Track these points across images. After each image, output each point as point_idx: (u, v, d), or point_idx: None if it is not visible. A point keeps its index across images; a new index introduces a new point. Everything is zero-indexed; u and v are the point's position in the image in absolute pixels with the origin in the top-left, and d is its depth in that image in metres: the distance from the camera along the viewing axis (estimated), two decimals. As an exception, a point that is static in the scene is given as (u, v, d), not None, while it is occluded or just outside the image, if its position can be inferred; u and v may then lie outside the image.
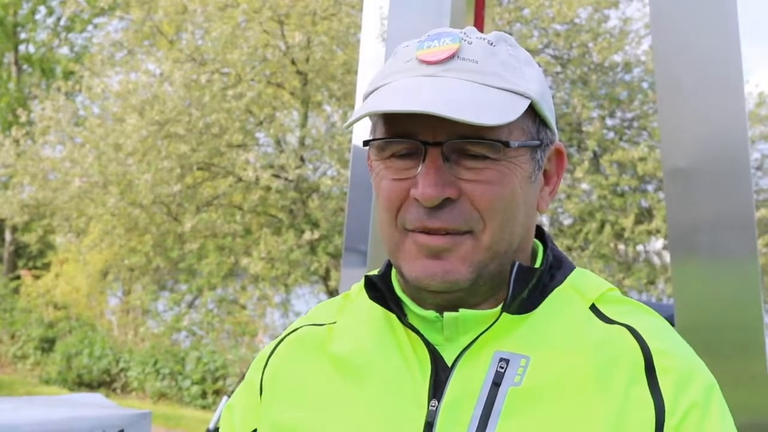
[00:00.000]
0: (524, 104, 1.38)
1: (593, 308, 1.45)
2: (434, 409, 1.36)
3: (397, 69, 1.42)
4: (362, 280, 1.60)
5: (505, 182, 1.37)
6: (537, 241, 1.55)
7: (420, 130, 1.36)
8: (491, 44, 1.43)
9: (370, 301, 1.51)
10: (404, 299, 1.46)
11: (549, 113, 1.46)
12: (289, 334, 1.62)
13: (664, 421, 1.32)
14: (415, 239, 1.36)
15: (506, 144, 1.36)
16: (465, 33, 1.42)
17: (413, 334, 1.42)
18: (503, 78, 1.39)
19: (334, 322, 1.59)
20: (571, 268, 1.51)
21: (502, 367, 1.36)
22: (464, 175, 1.35)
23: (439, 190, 1.33)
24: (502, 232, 1.37)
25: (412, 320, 1.43)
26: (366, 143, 1.43)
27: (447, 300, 1.41)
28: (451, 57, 1.39)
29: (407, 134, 1.37)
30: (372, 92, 1.41)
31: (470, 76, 1.37)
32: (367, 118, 1.45)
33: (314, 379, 1.50)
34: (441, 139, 1.35)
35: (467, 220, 1.35)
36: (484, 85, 1.36)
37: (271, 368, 1.57)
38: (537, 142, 1.43)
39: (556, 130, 1.49)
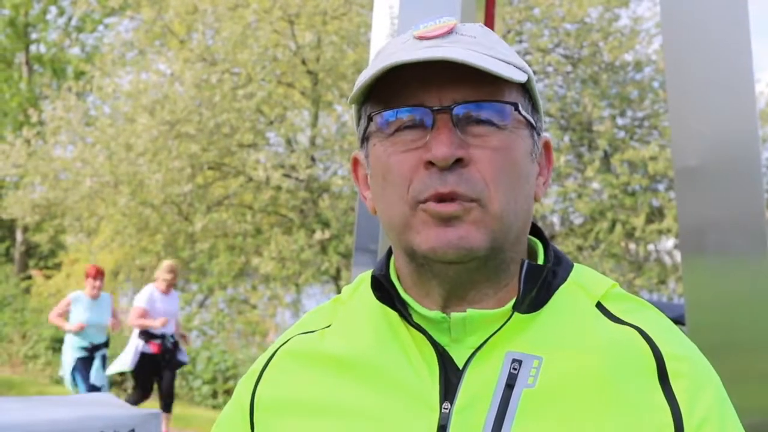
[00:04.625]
0: (525, 75, 1.38)
1: (599, 306, 1.44)
2: (447, 412, 1.34)
3: (393, 51, 1.41)
4: (355, 282, 1.59)
5: (510, 151, 1.36)
6: (534, 239, 1.53)
7: (425, 99, 1.35)
8: (483, 28, 1.44)
9: (367, 302, 1.49)
10: (408, 300, 1.43)
11: (539, 100, 1.47)
12: (280, 346, 1.58)
13: (683, 426, 1.32)
14: (426, 209, 1.33)
15: (516, 107, 1.37)
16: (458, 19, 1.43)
17: (418, 335, 1.40)
18: (501, 53, 1.39)
19: (328, 326, 1.55)
20: (571, 265, 1.50)
21: (515, 369, 1.34)
22: (472, 141, 1.34)
23: (453, 149, 1.31)
24: (507, 201, 1.35)
25: (416, 320, 1.41)
26: (370, 117, 1.41)
27: (458, 274, 1.38)
28: (450, 32, 1.40)
29: (413, 104, 1.36)
30: (368, 76, 1.39)
31: (471, 47, 1.37)
32: (356, 114, 1.46)
33: (314, 385, 1.46)
34: (448, 104, 1.34)
35: (475, 188, 1.33)
36: (485, 54, 1.36)
37: (265, 383, 1.53)
38: (533, 123, 1.43)
39: (543, 122, 1.50)
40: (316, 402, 1.45)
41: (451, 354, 1.38)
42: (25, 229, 26.56)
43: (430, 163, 1.33)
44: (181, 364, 11.34)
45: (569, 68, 16.64)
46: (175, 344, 11.18)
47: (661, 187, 15.63)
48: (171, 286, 11.38)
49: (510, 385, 1.34)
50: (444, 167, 1.32)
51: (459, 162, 1.33)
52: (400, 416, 1.37)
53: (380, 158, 1.40)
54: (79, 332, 11.07)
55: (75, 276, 22.70)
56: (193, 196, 17.56)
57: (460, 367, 1.37)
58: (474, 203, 1.33)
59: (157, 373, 11.08)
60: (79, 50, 31.11)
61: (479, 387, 1.35)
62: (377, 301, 1.46)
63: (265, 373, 1.55)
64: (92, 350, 11.16)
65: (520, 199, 1.39)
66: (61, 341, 20.53)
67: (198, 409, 15.65)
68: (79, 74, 25.25)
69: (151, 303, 11.07)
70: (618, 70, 16.52)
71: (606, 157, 15.74)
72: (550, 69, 16.52)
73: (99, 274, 11.47)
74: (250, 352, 16.15)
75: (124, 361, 10.88)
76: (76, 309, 11.25)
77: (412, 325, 1.40)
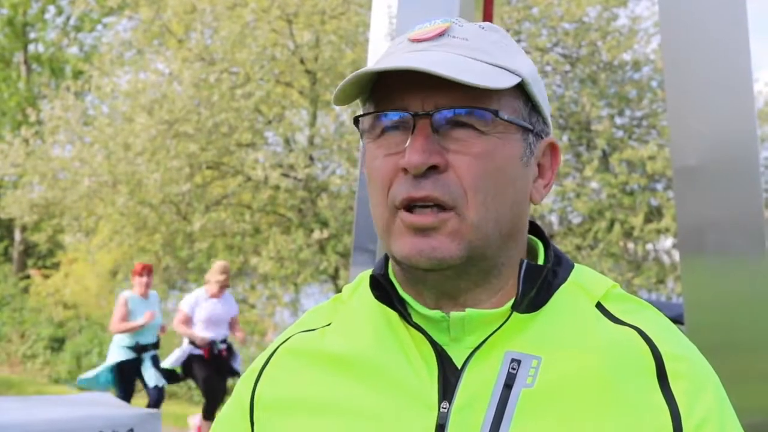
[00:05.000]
0: (514, 80, 1.37)
1: (599, 306, 1.44)
2: (445, 411, 1.34)
3: (390, 53, 1.43)
4: (356, 281, 1.59)
5: (492, 157, 1.35)
6: (535, 239, 1.53)
7: (409, 104, 1.36)
8: (482, 29, 1.44)
9: (367, 301, 1.50)
10: (407, 299, 1.43)
11: (542, 102, 1.45)
12: (280, 345, 1.58)
13: (681, 427, 1.31)
14: (402, 218, 1.35)
15: (495, 113, 1.36)
16: (457, 18, 1.43)
17: (417, 334, 1.40)
18: (493, 56, 1.39)
19: (328, 324, 1.56)
20: (572, 265, 1.50)
21: (514, 368, 1.35)
22: (452, 147, 1.34)
23: (426, 156, 1.31)
24: (486, 209, 1.35)
25: (416, 320, 1.42)
26: (356, 120, 1.43)
27: (438, 281, 1.39)
28: (441, 34, 1.40)
29: (396, 108, 1.37)
30: (346, 81, 1.39)
31: (460, 51, 1.37)
32: (358, 111, 1.46)
33: (313, 384, 1.47)
34: (429, 109, 1.34)
35: (452, 194, 1.33)
36: (473, 59, 1.36)
37: (265, 382, 1.53)
38: (529, 126, 1.42)
39: (550, 124, 1.49)
40: (316, 401, 1.45)
41: (450, 353, 1.38)
42: (24, 229, 26.57)
43: (406, 170, 1.34)
44: (234, 372, 11.09)
45: (567, 67, 16.64)
46: (229, 349, 10.97)
47: (659, 186, 15.63)
48: (224, 287, 10.98)
49: (508, 385, 1.34)
50: (417, 174, 1.33)
51: (435, 169, 1.33)
52: (398, 415, 1.37)
53: (369, 160, 1.42)
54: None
55: (73, 275, 22.70)
56: (191, 195, 17.56)
57: (459, 367, 1.37)
58: (450, 212, 1.33)
59: (219, 375, 10.85)
60: (77, 50, 31.12)
61: (478, 387, 1.35)
62: (377, 301, 1.46)
63: (265, 371, 1.55)
64: (140, 350, 10.73)
65: (503, 205, 1.38)
66: (59, 340, 20.61)
67: (197, 408, 15.64)
68: (77, 74, 25.26)
69: (196, 308, 10.76)
70: (616, 70, 16.51)
71: (604, 157, 15.73)
72: (548, 68, 16.52)
73: (145, 270, 11.01)
74: (249, 352, 16.14)
75: (170, 359, 10.69)
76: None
77: (412, 325, 1.41)
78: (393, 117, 1.38)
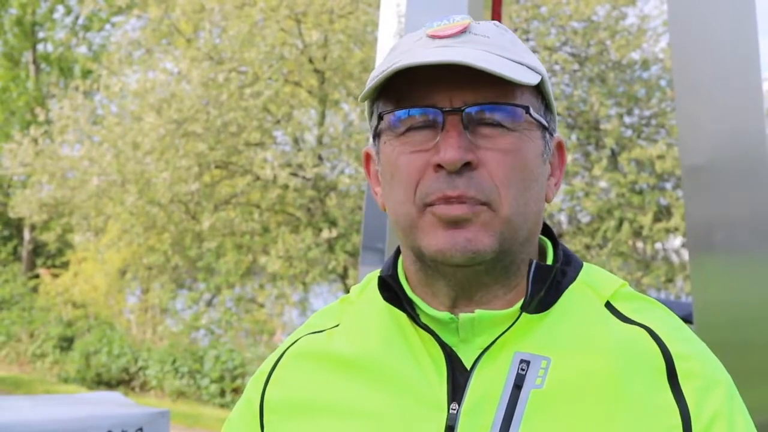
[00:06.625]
0: (537, 77, 1.37)
1: (608, 306, 1.43)
2: (455, 412, 1.34)
3: (406, 49, 1.41)
4: (364, 282, 1.59)
5: (520, 153, 1.36)
6: (544, 238, 1.53)
7: (436, 100, 1.35)
8: (497, 27, 1.44)
9: (375, 302, 1.49)
10: (416, 300, 1.43)
11: (553, 100, 1.46)
12: (288, 347, 1.58)
13: (691, 428, 1.31)
14: (434, 211, 1.33)
15: (527, 110, 1.36)
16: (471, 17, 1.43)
17: (426, 335, 1.40)
18: (514, 53, 1.39)
19: (336, 326, 1.55)
20: (580, 264, 1.49)
21: (523, 369, 1.34)
22: (482, 144, 1.34)
23: (462, 152, 1.31)
24: (518, 204, 1.35)
25: (424, 321, 1.41)
26: (381, 116, 1.41)
27: (466, 277, 1.38)
28: (463, 31, 1.39)
29: (424, 104, 1.36)
30: (380, 74, 1.38)
31: (484, 47, 1.36)
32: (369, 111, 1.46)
33: (322, 386, 1.46)
34: (459, 106, 1.34)
35: (484, 191, 1.32)
36: (498, 55, 1.36)
37: (274, 384, 1.53)
38: (546, 123, 1.42)
39: (556, 122, 1.49)
40: (325, 403, 1.44)
41: (459, 354, 1.38)
42: (33, 228, 26.59)
43: (438, 166, 1.33)
44: None
45: (576, 67, 16.60)
46: None
47: (668, 185, 15.60)
48: None
49: (518, 386, 1.34)
50: (453, 171, 1.32)
51: (468, 165, 1.32)
52: (408, 417, 1.37)
53: (389, 157, 1.40)
54: None
55: (83, 275, 22.74)
56: (200, 194, 17.55)
57: (468, 368, 1.37)
58: (484, 206, 1.33)
59: None
60: (86, 49, 31.14)
61: (487, 387, 1.35)
62: (385, 302, 1.45)
63: (273, 373, 1.55)
64: None
65: (531, 201, 1.38)
66: (68, 340, 20.64)
67: (206, 407, 15.69)
68: (86, 73, 25.28)
69: None
70: (625, 69, 16.48)
71: (613, 156, 15.71)
72: (557, 67, 16.49)
73: None
74: (258, 351, 16.18)
75: None
76: None
77: (420, 326, 1.40)
78: (422, 113, 1.36)
